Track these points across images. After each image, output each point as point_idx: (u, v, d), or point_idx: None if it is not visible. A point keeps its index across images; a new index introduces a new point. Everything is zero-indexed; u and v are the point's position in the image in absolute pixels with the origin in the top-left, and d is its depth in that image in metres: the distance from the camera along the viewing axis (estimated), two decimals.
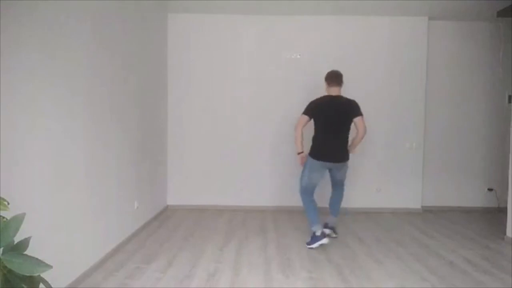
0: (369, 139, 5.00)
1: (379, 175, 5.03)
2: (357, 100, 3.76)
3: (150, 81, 4.28)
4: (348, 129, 3.72)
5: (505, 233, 3.83)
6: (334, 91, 3.71)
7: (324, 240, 3.50)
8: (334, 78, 3.72)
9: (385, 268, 3.07)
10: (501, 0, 4.13)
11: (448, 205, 5.11)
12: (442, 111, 5.13)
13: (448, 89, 5.12)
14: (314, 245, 3.50)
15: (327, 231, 3.78)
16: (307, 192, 3.72)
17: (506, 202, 3.91)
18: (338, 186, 3.91)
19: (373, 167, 5.03)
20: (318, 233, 3.53)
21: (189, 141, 5.02)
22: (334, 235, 3.86)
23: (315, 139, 3.74)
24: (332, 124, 3.68)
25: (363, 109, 3.73)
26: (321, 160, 3.64)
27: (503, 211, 4.21)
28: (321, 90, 5.20)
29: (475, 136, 5.16)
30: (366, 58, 4.93)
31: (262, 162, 5.02)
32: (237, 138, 5.02)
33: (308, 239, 3.61)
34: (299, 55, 4.97)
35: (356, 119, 3.65)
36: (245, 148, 5.02)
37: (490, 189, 5.12)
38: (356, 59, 4.88)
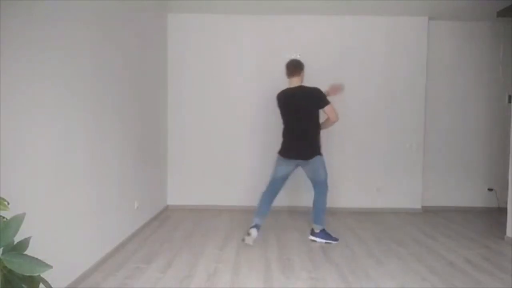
0: (369, 139, 5.01)
1: (379, 175, 5.03)
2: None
3: (150, 81, 4.28)
4: (309, 121, 3.61)
5: (505, 233, 3.83)
6: (292, 82, 3.68)
7: (247, 240, 3.53)
8: (288, 68, 3.66)
9: (385, 268, 3.06)
10: (501, 0, 4.13)
11: (448, 205, 5.11)
12: (442, 111, 5.13)
13: (448, 89, 5.12)
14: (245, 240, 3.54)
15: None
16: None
17: (506, 202, 3.91)
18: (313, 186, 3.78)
19: (373, 167, 5.03)
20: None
21: (189, 141, 5.02)
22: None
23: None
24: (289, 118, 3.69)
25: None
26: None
27: (503, 211, 4.21)
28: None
29: (475, 136, 5.16)
30: (366, 58, 4.93)
31: (262, 162, 5.01)
32: (237, 138, 5.02)
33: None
34: (299, 55, 4.96)
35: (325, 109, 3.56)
36: (245, 148, 5.02)
37: (490, 189, 5.12)
38: (356, 59, 4.88)
